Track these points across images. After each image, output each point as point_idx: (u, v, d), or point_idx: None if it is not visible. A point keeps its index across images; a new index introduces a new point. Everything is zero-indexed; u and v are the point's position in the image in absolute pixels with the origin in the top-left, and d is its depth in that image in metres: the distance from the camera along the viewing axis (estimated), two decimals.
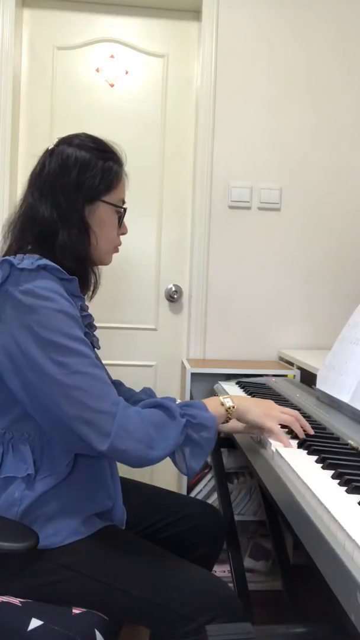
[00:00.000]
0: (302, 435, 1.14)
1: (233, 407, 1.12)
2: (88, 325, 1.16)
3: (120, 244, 1.22)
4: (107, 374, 1.30)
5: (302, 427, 1.16)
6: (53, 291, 0.99)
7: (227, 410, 1.12)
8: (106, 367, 1.31)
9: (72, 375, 0.95)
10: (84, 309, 1.17)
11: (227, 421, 1.14)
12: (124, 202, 1.19)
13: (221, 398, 1.13)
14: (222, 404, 1.12)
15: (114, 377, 1.40)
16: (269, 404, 1.20)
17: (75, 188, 1.09)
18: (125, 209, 1.19)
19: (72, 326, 0.99)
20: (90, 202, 1.11)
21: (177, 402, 1.35)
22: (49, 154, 1.13)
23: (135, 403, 1.33)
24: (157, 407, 1.05)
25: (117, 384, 1.37)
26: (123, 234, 1.21)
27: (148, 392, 1.38)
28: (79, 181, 1.09)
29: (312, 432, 1.17)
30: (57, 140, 1.16)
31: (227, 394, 1.65)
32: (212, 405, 1.10)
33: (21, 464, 1.03)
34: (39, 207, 1.09)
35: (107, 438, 0.94)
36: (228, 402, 1.12)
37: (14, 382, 0.99)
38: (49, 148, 1.14)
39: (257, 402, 1.19)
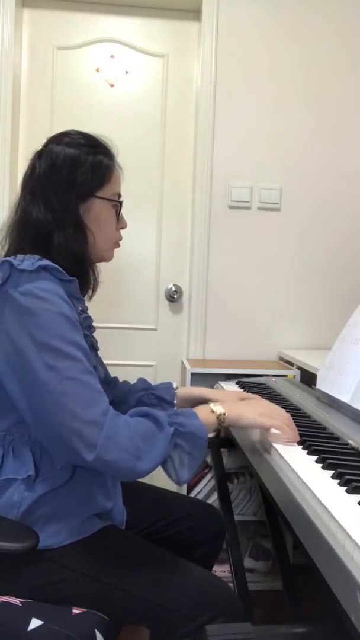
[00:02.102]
0: (293, 439, 1.13)
1: (224, 414, 1.10)
2: (87, 327, 1.15)
3: (120, 238, 1.20)
4: (107, 373, 1.30)
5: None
6: (53, 293, 0.99)
7: (218, 418, 1.09)
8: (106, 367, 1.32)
9: (63, 381, 0.94)
10: (84, 310, 1.16)
11: (219, 428, 1.11)
12: (120, 196, 1.17)
13: (212, 405, 1.11)
14: (213, 412, 1.10)
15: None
16: (258, 402, 1.19)
17: (67, 187, 1.08)
18: (121, 202, 1.17)
19: (69, 329, 0.98)
20: (84, 199, 1.09)
21: (174, 387, 1.36)
22: (38, 155, 1.11)
23: (135, 393, 1.34)
24: (146, 417, 1.02)
25: (114, 382, 1.37)
26: (122, 228, 1.19)
27: (143, 381, 1.39)
28: (69, 180, 1.08)
29: (298, 438, 1.14)
30: (45, 140, 1.14)
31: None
32: (202, 413, 1.08)
33: (21, 466, 1.03)
34: (33, 210, 1.08)
35: (94, 448, 0.92)
36: (219, 410, 1.10)
37: (10, 384, 0.99)
38: (38, 149, 1.13)
39: (249, 404, 1.17)
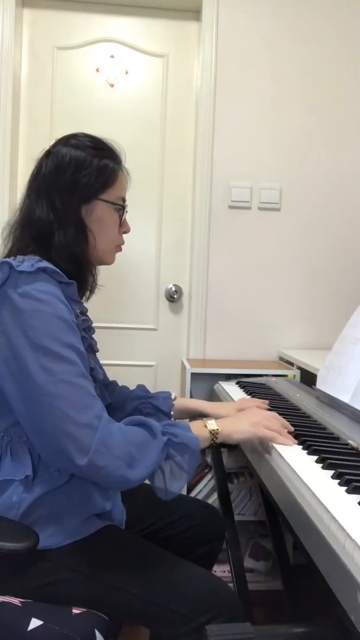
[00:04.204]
0: (290, 439, 1.13)
1: (217, 430, 1.09)
2: (86, 329, 1.15)
3: (122, 242, 1.20)
4: (105, 375, 1.30)
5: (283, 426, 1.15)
6: (51, 295, 0.99)
7: (211, 433, 1.09)
8: (106, 367, 1.31)
9: (57, 383, 0.94)
10: (83, 312, 1.16)
11: (213, 444, 1.10)
12: (124, 200, 1.18)
13: (205, 421, 1.11)
14: (206, 427, 1.09)
15: (113, 377, 1.40)
16: (251, 412, 1.18)
17: (71, 187, 1.08)
18: (124, 207, 1.18)
19: (66, 332, 0.98)
20: (87, 201, 1.10)
21: (172, 398, 1.35)
22: (46, 155, 1.12)
23: (133, 400, 1.34)
24: (140, 425, 1.02)
25: (113, 384, 1.37)
26: (125, 232, 1.20)
27: (143, 388, 1.38)
28: (73, 180, 1.08)
29: (291, 428, 1.16)
30: (55, 140, 1.15)
31: (228, 395, 1.66)
32: (196, 427, 1.08)
33: (19, 466, 1.03)
34: (36, 208, 1.08)
35: (87, 452, 0.92)
36: (212, 425, 1.10)
37: (7, 385, 0.98)
38: (46, 149, 1.14)
39: (241, 417, 1.16)
